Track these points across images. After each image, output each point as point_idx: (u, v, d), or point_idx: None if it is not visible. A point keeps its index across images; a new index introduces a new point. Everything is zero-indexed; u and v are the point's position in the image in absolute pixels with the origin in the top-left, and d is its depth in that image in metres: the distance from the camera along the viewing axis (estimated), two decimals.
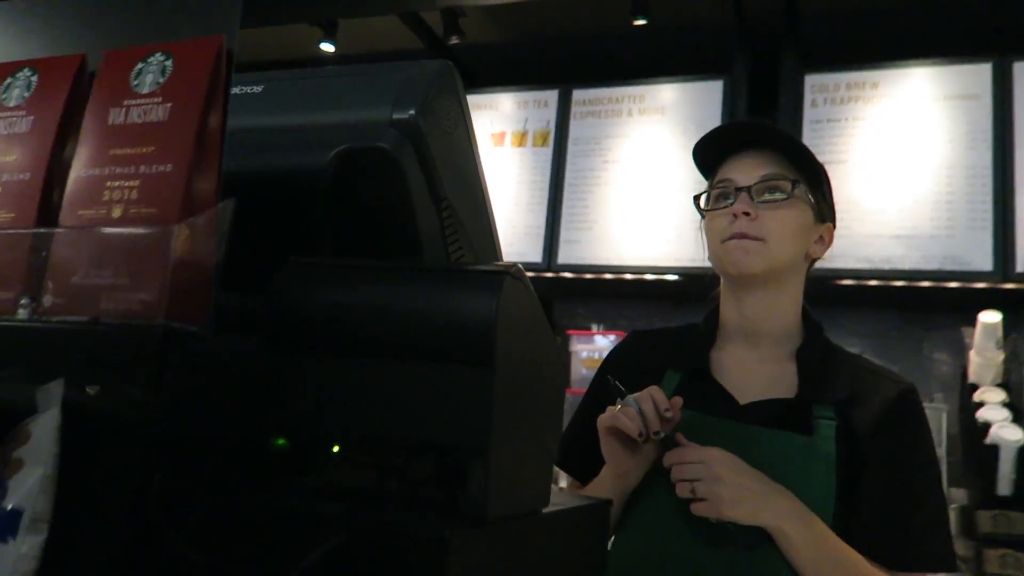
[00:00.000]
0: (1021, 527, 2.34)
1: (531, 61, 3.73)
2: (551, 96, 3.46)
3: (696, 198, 1.21)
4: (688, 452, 1.02)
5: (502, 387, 0.52)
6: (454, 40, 3.35)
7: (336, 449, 0.54)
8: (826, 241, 1.18)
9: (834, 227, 1.20)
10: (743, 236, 1.09)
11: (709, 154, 1.19)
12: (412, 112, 0.67)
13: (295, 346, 0.54)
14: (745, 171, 1.13)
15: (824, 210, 1.17)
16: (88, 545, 0.44)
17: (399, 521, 0.49)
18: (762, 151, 1.14)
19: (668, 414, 1.04)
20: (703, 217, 1.20)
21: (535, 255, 3.30)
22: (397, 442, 0.53)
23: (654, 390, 1.06)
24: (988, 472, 2.43)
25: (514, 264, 0.56)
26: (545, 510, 0.64)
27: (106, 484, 0.45)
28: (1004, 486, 2.41)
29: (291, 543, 0.48)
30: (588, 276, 3.27)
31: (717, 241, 1.13)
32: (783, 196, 1.11)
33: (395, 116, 0.67)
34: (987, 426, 2.49)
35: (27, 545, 0.39)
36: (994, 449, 2.42)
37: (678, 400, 1.05)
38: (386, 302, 0.53)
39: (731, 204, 1.12)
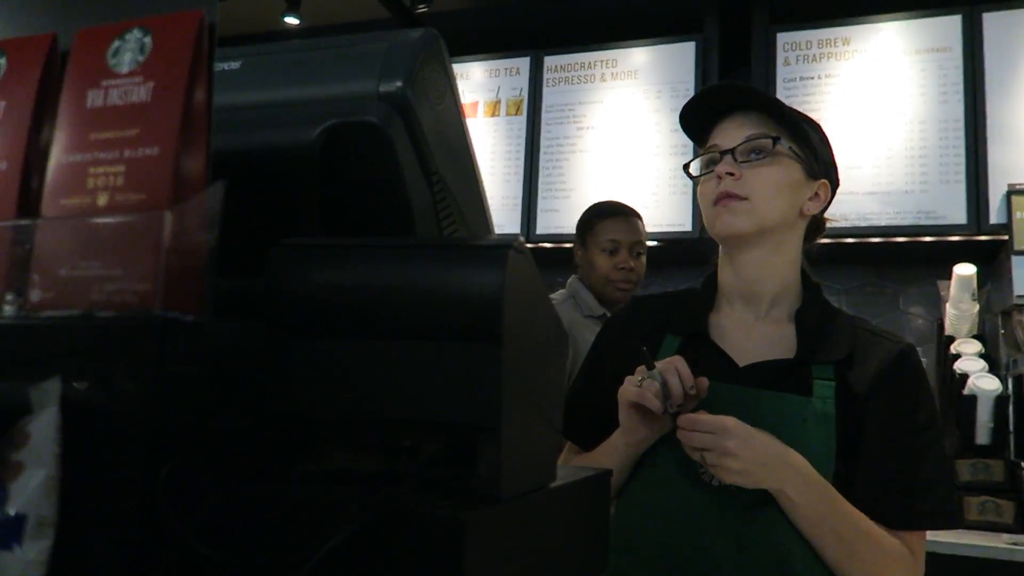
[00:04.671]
0: (999, 474, 2.39)
1: (501, 27, 3.67)
2: (523, 63, 3.42)
3: (686, 166, 1.21)
4: (701, 420, 1.01)
5: (510, 362, 0.51)
6: (421, 8, 3.29)
7: (344, 434, 0.52)
8: (822, 197, 1.18)
9: (833, 184, 1.19)
10: (728, 196, 1.09)
11: (697, 122, 1.19)
12: (399, 84, 0.65)
13: (296, 330, 0.52)
14: (730, 134, 1.13)
15: (815, 166, 1.16)
16: (96, 546, 0.42)
17: (412, 504, 0.48)
18: (747, 114, 1.14)
19: (692, 391, 1.03)
20: (695, 184, 1.20)
21: (513, 226, 3.28)
22: (406, 423, 0.52)
23: (679, 363, 1.05)
24: (966, 422, 2.48)
25: (516, 236, 0.55)
26: (552, 484, 0.63)
27: (110, 482, 0.43)
28: (982, 435, 2.46)
29: (304, 532, 0.47)
30: (567, 245, 3.25)
31: (708, 205, 1.13)
32: (764, 154, 1.11)
33: (382, 88, 0.65)
34: (964, 377, 2.53)
35: (34, 551, 0.38)
36: (972, 399, 2.47)
37: (704, 381, 1.04)
38: (389, 281, 0.52)
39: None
